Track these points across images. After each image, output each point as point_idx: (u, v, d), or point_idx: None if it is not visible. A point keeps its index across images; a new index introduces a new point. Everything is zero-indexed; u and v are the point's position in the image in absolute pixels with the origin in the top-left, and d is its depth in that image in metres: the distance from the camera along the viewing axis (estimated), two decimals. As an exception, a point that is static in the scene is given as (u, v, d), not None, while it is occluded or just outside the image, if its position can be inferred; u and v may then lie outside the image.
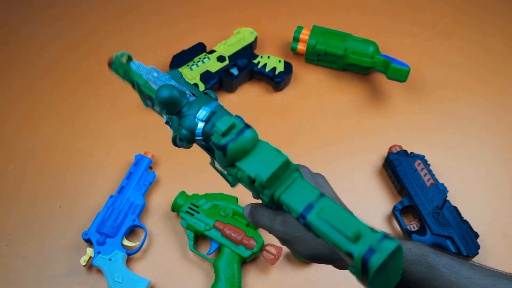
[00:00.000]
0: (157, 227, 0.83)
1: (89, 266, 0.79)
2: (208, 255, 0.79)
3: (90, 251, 0.77)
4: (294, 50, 1.02)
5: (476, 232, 0.79)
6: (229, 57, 0.98)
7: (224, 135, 0.44)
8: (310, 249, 0.45)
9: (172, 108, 0.48)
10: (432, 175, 0.84)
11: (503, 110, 0.98)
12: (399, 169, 0.85)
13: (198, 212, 0.80)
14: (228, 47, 0.99)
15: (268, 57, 0.99)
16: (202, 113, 0.46)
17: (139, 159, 0.86)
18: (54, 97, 0.98)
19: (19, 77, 1.01)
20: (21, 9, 1.13)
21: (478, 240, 0.79)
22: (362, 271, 0.37)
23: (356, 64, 0.98)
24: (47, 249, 0.80)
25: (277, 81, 0.97)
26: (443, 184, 0.83)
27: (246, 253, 0.77)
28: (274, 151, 0.44)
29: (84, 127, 0.94)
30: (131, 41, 1.07)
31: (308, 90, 1.00)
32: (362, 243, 0.37)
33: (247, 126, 0.45)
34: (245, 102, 0.98)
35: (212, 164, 0.53)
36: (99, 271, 0.78)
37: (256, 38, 1.02)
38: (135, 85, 0.54)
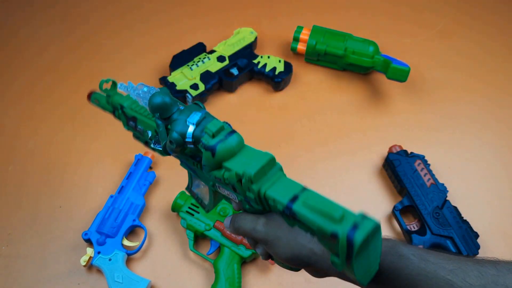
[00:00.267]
0: (157, 227, 0.83)
1: (89, 266, 0.79)
2: (208, 255, 0.79)
3: (90, 251, 0.77)
4: (294, 50, 1.02)
5: (476, 232, 0.79)
6: (229, 57, 0.98)
7: (214, 136, 0.47)
8: (290, 249, 0.47)
9: (164, 112, 0.51)
10: (432, 175, 0.84)
11: (503, 110, 0.98)
12: (399, 169, 0.85)
13: (198, 212, 0.80)
14: (228, 47, 0.99)
15: (268, 57, 0.99)
16: (193, 116, 0.49)
17: (139, 159, 0.86)
18: (54, 97, 0.98)
19: (19, 77, 1.01)
20: (21, 9, 1.13)
21: (478, 240, 0.79)
22: (347, 252, 0.38)
23: (356, 64, 0.98)
24: (47, 249, 0.80)
25: (277, 81, 0.97)
26: (443, 184, 0.83)
27: (246, 253, 0.77)
28: (259, 151, 0.47)
29: (84, 127, 0.94)
30: (131, 41, 1.07)
31: (308, 90, 1.00)
32: (345, 223, 0.39)
33: (234, 131, 0.48)
34: (245, 102, 0.98)
35: (188, 188, 0.58)
36: (99, 271, 0.78)
37: (256, 38, 1.02)
38: (118, 110, 0.60)
